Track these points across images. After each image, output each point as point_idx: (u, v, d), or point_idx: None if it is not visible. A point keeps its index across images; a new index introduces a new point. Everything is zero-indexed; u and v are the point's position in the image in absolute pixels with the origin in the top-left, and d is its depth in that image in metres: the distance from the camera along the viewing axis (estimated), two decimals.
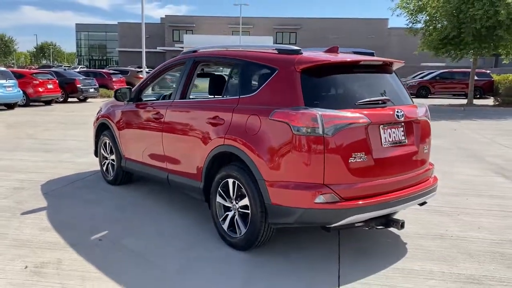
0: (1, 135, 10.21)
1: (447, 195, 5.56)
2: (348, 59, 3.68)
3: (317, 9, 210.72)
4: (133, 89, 5.29)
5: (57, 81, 18.69)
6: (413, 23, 21.06)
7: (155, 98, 5.57)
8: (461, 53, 19.23)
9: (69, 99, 20.47)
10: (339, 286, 3.18)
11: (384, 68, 3.92)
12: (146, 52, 63.88)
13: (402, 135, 3.62)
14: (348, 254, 3.75)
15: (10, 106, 16.45)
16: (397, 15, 23.61)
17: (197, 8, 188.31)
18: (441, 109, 18.73)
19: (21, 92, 16.57)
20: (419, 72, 31.73)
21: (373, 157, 3.36)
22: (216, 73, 4.58)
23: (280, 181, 3.33)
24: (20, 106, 17.19)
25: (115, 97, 5.26)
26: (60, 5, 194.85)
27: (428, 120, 3.97)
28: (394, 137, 3.55)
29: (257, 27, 59.53)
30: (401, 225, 3.58)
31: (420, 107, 3.92)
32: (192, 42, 52.16)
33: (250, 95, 3.70)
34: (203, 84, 5.49)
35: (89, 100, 21.41)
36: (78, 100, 21.10)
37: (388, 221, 3.63)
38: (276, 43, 57.88)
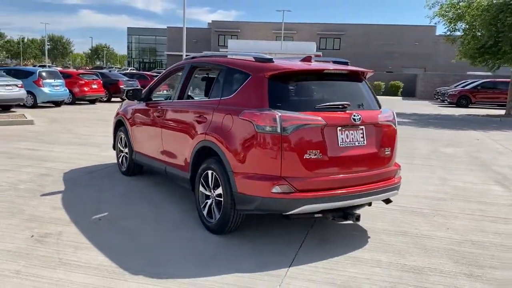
0: (45, 129, 11.24)
1: (434, 199, 5.81)
2: (311, 67, 4.12)
3: (362, 15, 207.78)
4: (144, 90, 5.94)
5: (101, 82, 19.96)
6: (452, 31, 20.80)
7: (163, 98, 6.18)
8: (499, 62, 18.82)
9: (113, 99, 21.76)
10: (289, 267, 3.60)
11: (352, 76, 4.32)
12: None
13: (361, 137, 4.00)
14: (312, 242, 4.16)
15: (57, 103, 17.81)
16: (435, 23, 23.26)
17: (246, 13, 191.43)
18: (476, 119, 18.40)
19: (68, 91, 17.89)
20: (463, 81, 31.02)
21: (328, 155, 3.78)
22: (209, 76, 5.11)
23: (244, 173, 3.81)
24: (66, 104, 18.52)
25: (126, 96, 5.92)
26: (116, 9, 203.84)
27: (393, 125, 4.32)
28: (352, 138, 3.94)
29: (300, 33, 59.90)
30: (356, 218, 3.97)
31: (385, 113, 4.28)
32: (236, 47, 53.33)
33: (229, 97, 4.22)
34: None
35: None
36: (121, 100, 22.35)
37: (345, 214, 4.02)
38: (319, 49, 58.04)
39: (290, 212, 3.71)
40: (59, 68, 30.76)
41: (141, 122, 5.81)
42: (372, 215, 5.00)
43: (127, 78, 22.62)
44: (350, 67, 4.29)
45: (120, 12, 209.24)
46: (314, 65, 4.24)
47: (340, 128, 3.87)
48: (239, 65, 4.29)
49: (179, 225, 4.51)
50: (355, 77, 4.35)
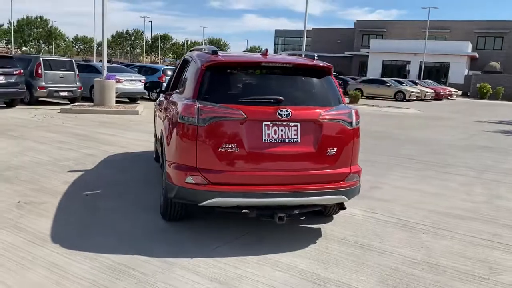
0: (141, 119, 12.62)
1: (450, 216, 5.06)
2: (246, 59, 3.99)
3: None
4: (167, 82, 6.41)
5: None
6: None
7: None
8: None
9: None
10: (192, 258, 3.58)
11: (306, 70, 4.05)
12: (334, 57, 64.81)
13: (294, 134, 3.75)
14: (245, 239, 4.04)
15: None
16: None
17: (408, 12, 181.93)
18: None
19: None
20: None
21: (246, 150, 3.65)
22: None
23: (171, 161, 3.92)
24: None
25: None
26: (277, 12, 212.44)
27: (345, 124, 3.92)
28: (282, 134, 3.72)
29: (454, 31, 54.88)
30: (279, 218, 3.76)
31: (336, 111, 3.91)
32: (378, 47, 51.53)
33: (184, 88, 4.35)
34: None
35: None
36: None
37: (272, 213, 3.82)
38: (476, 49, 52.57)
39: (201, 204, 3.70)
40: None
41: (157, 112, 6.26)
42: (349, 223, 4.62)
43: None
44: (295, 60, 4.04)
45: (280, 16, 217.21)
46: (252, 57, 4.10)
47: (267, 123, 3.70)
48: (195, 56, 4.39)
49: (146, 209, 4.76)
50: (310, 71, 4.07)
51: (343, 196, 3.92)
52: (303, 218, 4.69)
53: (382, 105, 24.17)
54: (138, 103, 16.87)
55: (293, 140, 3.76)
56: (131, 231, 4.13)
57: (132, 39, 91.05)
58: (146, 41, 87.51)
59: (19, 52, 69.95)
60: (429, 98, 32.30)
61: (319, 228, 4.43)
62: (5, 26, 76.50)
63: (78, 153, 7.32)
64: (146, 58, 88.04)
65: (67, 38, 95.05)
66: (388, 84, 30.99)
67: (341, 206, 4.08)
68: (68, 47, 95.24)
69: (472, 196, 5.96)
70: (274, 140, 3.72)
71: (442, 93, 34.57)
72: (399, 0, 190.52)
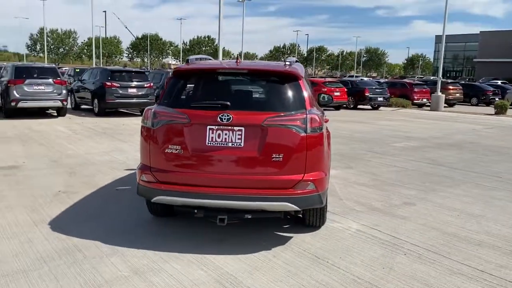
0: None
1: (465, 241, 4.40)
2: (201, 67, 4.12)
3: None
4: None
5: (345, 89, 21.09)
6: None
7: None
8: None
9: (359, 106, 22.53)
10: (141, 249, 3.91)
11: (265, 75, 4.05)
12: (505, 62, 58.09)
13: (238, 138, 3.78)
14: (210, 240, 4.19)
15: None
16: None
17: None
18: None
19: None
20: None
21: (190, 152, 3.82)
22: None
23: (140, 162, 4.31)
24: None
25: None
26: (451, 16, 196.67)
27: (296, 130, 3.78)
28: (225, 138, 3.79)
29: None
30: (220, 219, 3.84)
31: (288, 116, 3.82)
32: None
33: None
34: None
35: (381, 108, 22.81)
36: (371, 108, 22.83)
37: (217, 215, 3.90)
38: None
39: (152, 200, 3.99)
40: (365, 78, 35.44)
41: None
42: (331, 235, 4.41)
43: (376, 86, 22.90)
44: (254, 66, 4.05)
45: (454, 20, 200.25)
46: (211, 64, 4.21)
47: (211, 127, 3.82)
48: None
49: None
50: (273, 77, 4.06)
51: (290, 204, 3.78)
52: (287, 226, 4.62)
53: None
54: None
55: (237, 144, 3.80)
56: (119, 223, 4.63)
57: (288, 52, 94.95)
58: (301, 54, 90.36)
59: None
60: None
61: (291, 237, 4.31)
62: (180, 45, 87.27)
63: None
64: None
65: (232, 54, 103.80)
66: None
67: (297, 215, 3.92)
68: None
69: None
70: (217, 143, 3.82)
71: None
72: None
